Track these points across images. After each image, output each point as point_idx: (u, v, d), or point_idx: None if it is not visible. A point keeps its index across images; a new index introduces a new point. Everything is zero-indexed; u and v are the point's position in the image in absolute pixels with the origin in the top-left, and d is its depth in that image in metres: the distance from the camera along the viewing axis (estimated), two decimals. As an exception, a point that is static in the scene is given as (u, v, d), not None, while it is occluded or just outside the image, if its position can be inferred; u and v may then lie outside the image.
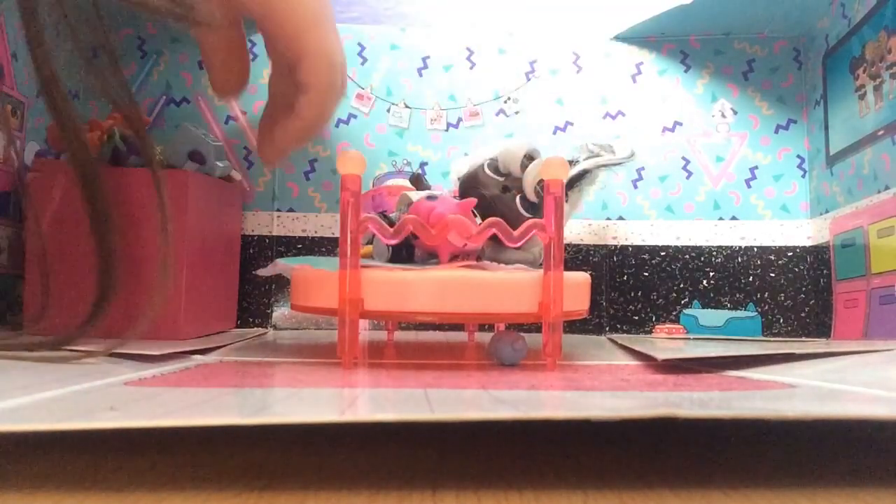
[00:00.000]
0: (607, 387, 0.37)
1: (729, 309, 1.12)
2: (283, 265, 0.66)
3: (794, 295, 1.11)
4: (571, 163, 0.79)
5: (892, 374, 0.41)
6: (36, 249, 0.76)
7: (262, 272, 0.70)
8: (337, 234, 0.53)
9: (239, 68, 0.47)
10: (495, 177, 0.65)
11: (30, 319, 0.78)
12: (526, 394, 0.33)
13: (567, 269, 0.54)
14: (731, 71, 1.17)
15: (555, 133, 1.17)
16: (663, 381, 0.40)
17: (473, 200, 0.58)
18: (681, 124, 1.17)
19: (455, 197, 0.66)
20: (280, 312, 1.13)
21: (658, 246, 1.14)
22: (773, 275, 1.12)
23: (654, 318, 1.13)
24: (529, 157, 0.64)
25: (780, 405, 0.29)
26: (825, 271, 1.05)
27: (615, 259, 1.14)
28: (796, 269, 1.12)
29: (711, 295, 1.12)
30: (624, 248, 1.15)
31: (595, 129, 1.16)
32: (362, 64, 1.18)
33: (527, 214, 0.62)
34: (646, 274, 1.14)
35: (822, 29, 1.08)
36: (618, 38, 1.19)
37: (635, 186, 1.16)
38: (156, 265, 0.78)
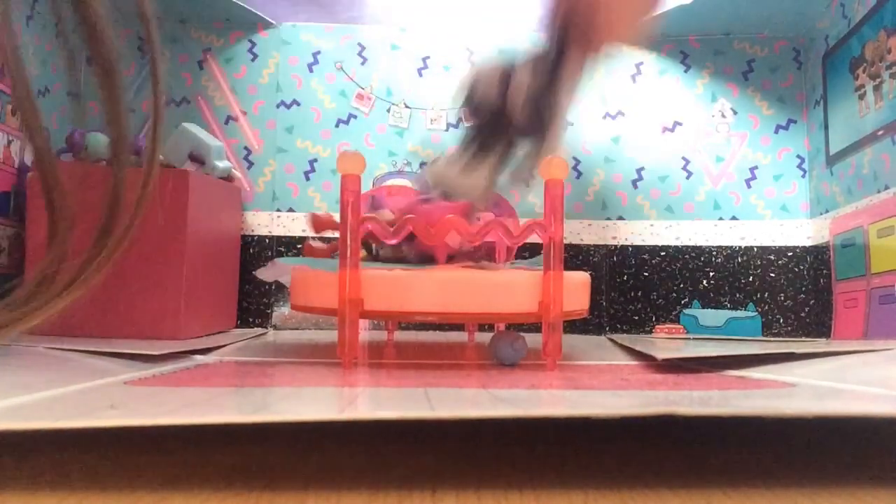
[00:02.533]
0: (607, 386, 0.37)
1: (729, 309, 1.12)
2: (282, 265, 0.66)
3: (794, 295, 1.11)
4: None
5: (892, 373, 0.41)
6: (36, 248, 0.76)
7: (260, 273, 0.70)
8: (337, 235, 0.53)
9: None
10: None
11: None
12: (526, 393, 0.33)
13: (567, 269, 0.54)
14: (731, 71, 1.17)
15: (555, 133, 1.17)
16: (663, 381, 0.40)
17: (471, 203, 0.58)
18: (681, 124, 1.17)
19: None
20: (280, 312, 1.13)
21: (658, 246, 1.14)
22: (773, 275, 1.12)
23: (654, 318, 1.13)
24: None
25: (779, 403, 0.29)
26: (825, 271, 1.05)
27: (615, 259, 1.14)
28: (796, 269, 1.12)
29: (711, 295, 1.12)
30: (624, 248, 1.15)
31: (595, 129, 1.16)
32: (362, 64, 1.18)
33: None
34: (646, 274, 1.14)
35: (822, 29, 1.08)
36: (618, 38, 1.19)
37: (635, 186, 1.16)
38: (155, 265, 0.78)
